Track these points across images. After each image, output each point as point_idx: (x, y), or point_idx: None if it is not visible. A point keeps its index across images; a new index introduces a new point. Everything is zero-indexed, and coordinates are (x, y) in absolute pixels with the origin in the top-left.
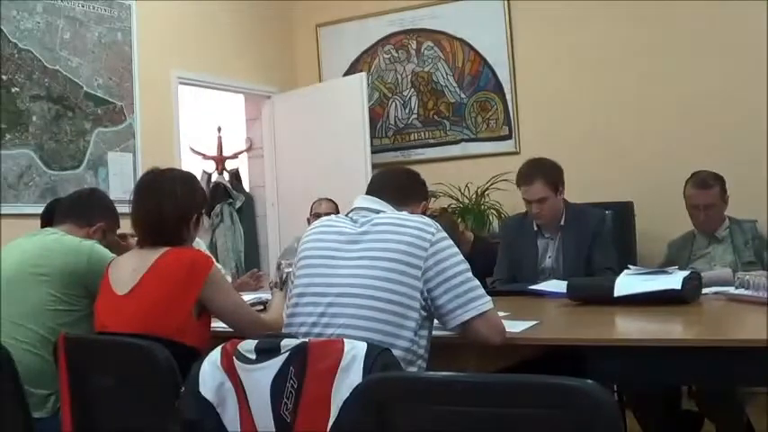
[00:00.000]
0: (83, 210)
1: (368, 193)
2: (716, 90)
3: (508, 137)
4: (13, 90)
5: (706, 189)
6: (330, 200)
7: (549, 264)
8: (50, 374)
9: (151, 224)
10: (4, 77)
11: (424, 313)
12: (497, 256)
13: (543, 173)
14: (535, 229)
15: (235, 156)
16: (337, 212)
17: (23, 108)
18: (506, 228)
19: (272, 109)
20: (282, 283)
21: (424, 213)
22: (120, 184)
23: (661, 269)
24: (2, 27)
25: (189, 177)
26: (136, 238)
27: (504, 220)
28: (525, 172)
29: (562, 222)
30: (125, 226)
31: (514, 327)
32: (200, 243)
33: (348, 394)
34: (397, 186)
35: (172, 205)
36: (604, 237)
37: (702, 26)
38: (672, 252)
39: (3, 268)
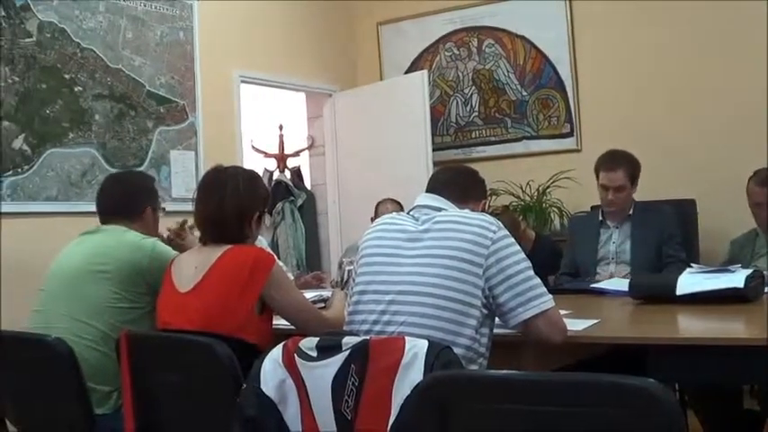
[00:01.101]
0: (124, 204)
1: (428, 190)
2: None
3: (570, 134)
4: (76, 89)
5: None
6: (395, 201)
7: (612, 248)
8: (113, 371)
9: (213, 221)
10: (67, 77)
11: (485, 311)
12: (562, 253)
13: (627, 163)
14: (600, 218)
15: (296, 154)
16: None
17: (86, 107)
18: (572, 225)
19: (333, 107)
20: (344, 282)
21: (483, 211)
22: (182, 183)
23: (723, 267)
24: (65, 27)
25: (252, 175)
26: (197, 233)
27: (571, 219)
28: (610, 158)
29: (630, 212)
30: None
31: (576, 325)
32: (262, 241)
33: (409, 392)
34: (458, 184)
35: (234, 202)
36: (675, 231)
37: (764, 25)
38: (734, 250)
39: (65, 266)
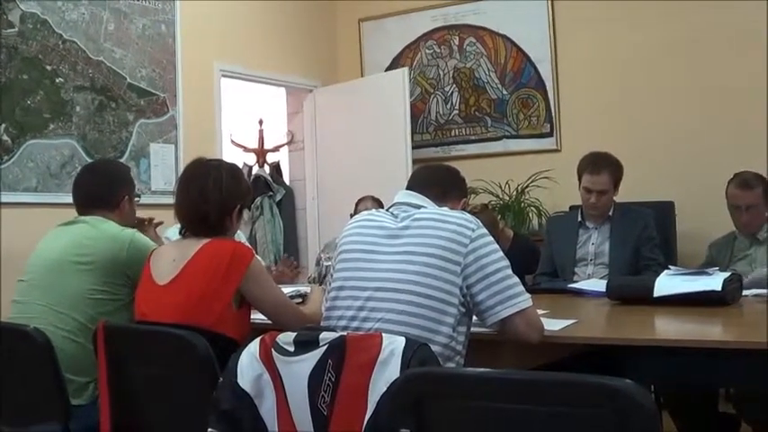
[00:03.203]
0: (101, 194)
1: (408, 188)
2: (762, 89)
3: (549, 134)
4: (57, 80)
5: (749, 189)
6: (375, 198)
7: (591, 250)
8: (90, 362)
9: (195, 213)
10: (48, 68)
11: (462, 309)
12: (541, 252)
13: (611, 166)
14: (579, 219)
15: (276, 149)
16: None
17: (67, 98)
18: (550, 224)
19: (313, 103)
20: (322, 277)
21: (463, 210)
22: (161, 176)
23: (701, 270)
24: (47, 18)
25: (234, 168)
26: (155, 221)
27: (549, 218)
28: (594, 161)
29: (610, 213)
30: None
31: (553, 325)
32: (241, 235)
33: (385, 389)
34: (438, 182)
35: (217, 194)
36: (653, 234)
37: (748, 24)
38: (712, 253)
39: (44, 256)
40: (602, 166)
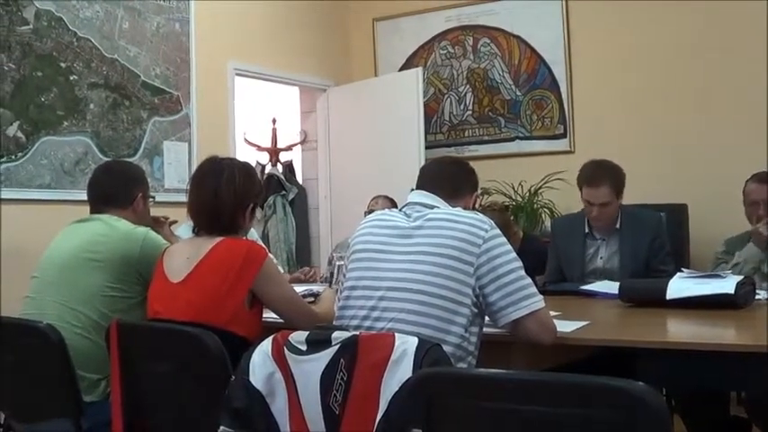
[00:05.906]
0: (115, 193)
1: (419, 186)
2: None
3: (563, 135)
4: (71, 78)
5: (767, 184)
6: (388, 197)
7: (599, 264)
8: (102, 359)
9: (208, 209)
10: (63, 65)
11: (475, 310)
12: (547, 256)
13: (610, 177)
14: (586, 230)
15: (289, 148)
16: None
17: (81, 96)
18: (555, 228)
19: (327, 102)
20: (335, 277)
21: (475, 204)
22: (174, 174)
23: (714, 273)
24: (62, 15)
25: (247, 166)
26: (169, 220)
27: (554, 221)
28: (592, 174)
29: (617, 225)
30: (179, 214)
31: (565, 326)
32: (254, 233)
33: (397, 388)
34: (449, 179)
35: (230, 191)
36: (663, 240)
37: (762, 25)
38: (728, 249)
39: (58, 253)
40: (600, 178)
